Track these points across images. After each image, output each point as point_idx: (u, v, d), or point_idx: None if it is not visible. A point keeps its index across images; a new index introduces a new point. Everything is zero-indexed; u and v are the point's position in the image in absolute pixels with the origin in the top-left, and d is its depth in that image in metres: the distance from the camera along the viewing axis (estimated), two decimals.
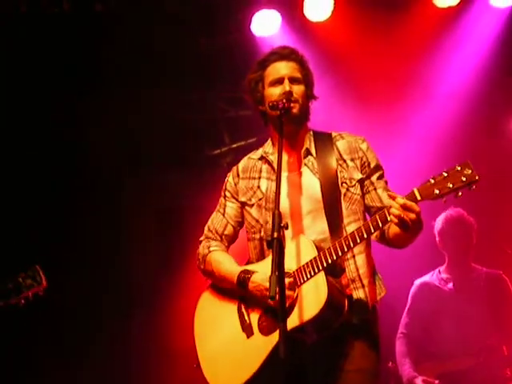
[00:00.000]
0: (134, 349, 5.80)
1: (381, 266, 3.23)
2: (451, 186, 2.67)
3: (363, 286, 3.03)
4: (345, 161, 3.12)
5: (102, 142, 5.65)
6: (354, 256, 3.05)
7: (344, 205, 3.07)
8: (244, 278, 3.06)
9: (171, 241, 6.12)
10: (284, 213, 2.97)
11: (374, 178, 3.13)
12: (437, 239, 4.89)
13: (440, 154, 5.21)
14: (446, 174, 2.69)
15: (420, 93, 5.57)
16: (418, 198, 2.75)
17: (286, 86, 3.07)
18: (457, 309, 4.71)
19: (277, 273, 2.57)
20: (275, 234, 2.63)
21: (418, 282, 4.96)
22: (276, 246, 2.62)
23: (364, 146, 3.16)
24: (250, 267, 3.13)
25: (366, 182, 3.13)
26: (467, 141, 5.43)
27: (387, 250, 3.15)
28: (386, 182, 3.16)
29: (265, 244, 3.07)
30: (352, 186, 3.09)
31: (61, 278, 3.81)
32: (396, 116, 5.52)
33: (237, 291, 3.13)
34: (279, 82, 3.10)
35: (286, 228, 2.71)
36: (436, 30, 5.37)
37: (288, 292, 2.82)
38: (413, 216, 2.75)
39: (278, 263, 2.62)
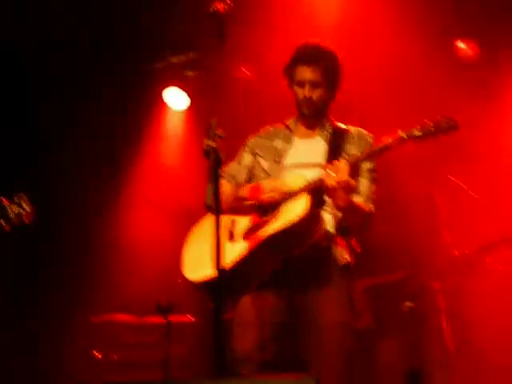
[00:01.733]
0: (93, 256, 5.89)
1: None
2: (433, 130, 3.18)
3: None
4: (353, 138, 3.54)
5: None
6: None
7: None
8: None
9: (115, 157, 6.07)
10: (296, 163, 3.45)
11: (364, 165, 3.43)
12: None
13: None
14: (429, 122, 3.19)
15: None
16: (404, 136, 3.18)
17: (307, 91, 3.48)
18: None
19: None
20: (210, 143, 2.68)
21: None
22: (212, 155, 2.68)
23: (371, 141, 3.53)
24: None
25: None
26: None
27: None
28: (375, 179, 3.45)
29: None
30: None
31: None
32: None
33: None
34: (302, 84, 3.49)
35: (221, 138, 2.73)
36: None
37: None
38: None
39: (214, 173, 2.68)
